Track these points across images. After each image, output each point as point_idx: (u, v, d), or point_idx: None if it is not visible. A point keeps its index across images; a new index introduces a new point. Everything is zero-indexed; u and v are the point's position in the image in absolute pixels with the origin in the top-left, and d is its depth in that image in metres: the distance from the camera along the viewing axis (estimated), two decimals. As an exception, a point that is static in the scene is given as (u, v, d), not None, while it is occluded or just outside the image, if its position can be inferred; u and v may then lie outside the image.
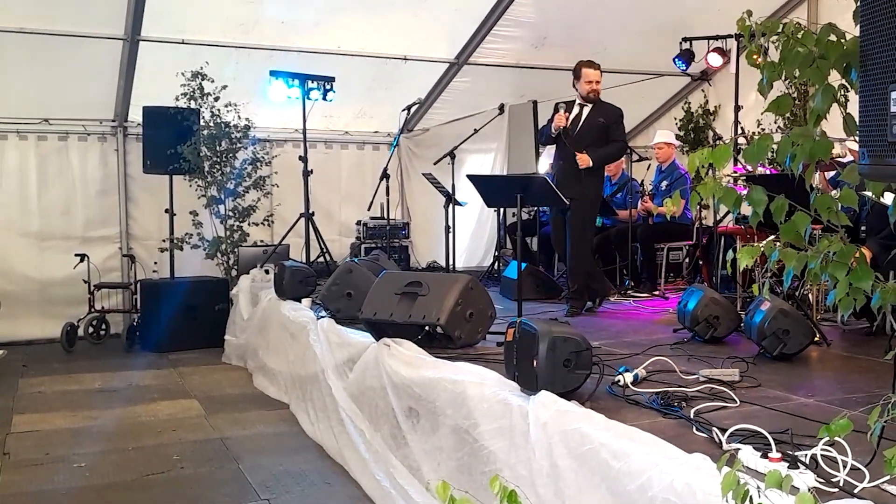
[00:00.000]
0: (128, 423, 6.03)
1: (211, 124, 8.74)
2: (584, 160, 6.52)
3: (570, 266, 6.69)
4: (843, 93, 2.45)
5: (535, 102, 9.64)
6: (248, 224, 9.04)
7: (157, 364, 8.00)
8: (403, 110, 9.12)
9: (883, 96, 2.06)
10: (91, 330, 8.81)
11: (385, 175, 8.95)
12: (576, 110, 6.72)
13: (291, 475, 4.91)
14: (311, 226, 8.77)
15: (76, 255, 8.72)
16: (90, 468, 5.05)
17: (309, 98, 8.66)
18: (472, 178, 6.32)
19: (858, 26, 2.22)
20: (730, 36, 7.69)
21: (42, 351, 8.62)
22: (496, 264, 9.34)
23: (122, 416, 6.23)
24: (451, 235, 8.35)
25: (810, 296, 5.77)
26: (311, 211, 8.77)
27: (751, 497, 2.06)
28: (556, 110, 6.71)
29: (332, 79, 8.74)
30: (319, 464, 5.14)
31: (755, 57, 2.52)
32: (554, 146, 6.91)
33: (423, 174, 9.39)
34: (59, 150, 9.13)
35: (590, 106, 6.70)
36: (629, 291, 7.73)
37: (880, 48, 2.09)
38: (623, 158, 8.59)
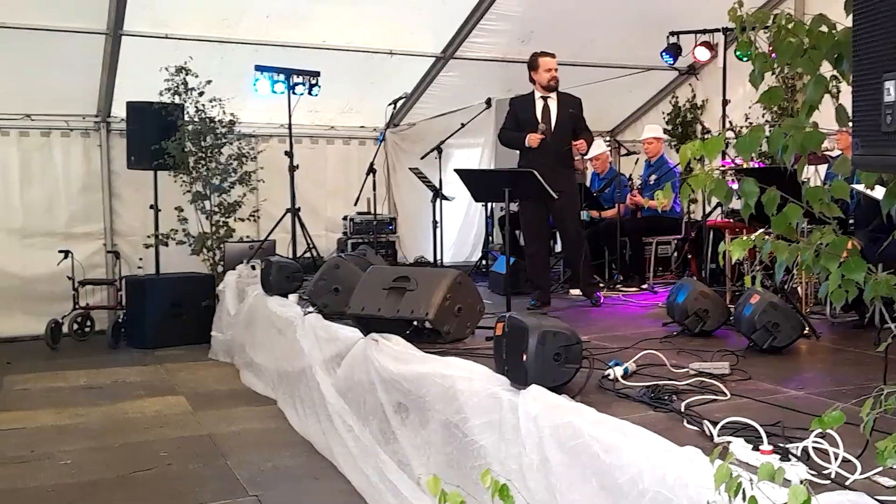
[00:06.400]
0: (114, 420, 5.98)
1: (195, 119, 8.66)
2: (583, 146, 6.62)
3: (575, 254, 6.74)
4: (834, 83, 2.44)
5: (522, 97, 9.61)
6: (234, 220, 8.97)
7: (142, 361, 7.94)
8: (389, 105, 9.08)
9: (876, 86, 2.05)
10: (76, 327, 8.73)
11: (371, 170, 8.91)
12: (540, 103, 6.70)
13: (279, 471, 4.88)
14: (297, 221, 8.71)
15: (60, 251, 8.62)
16: (76, 465, 5.00)
17: (294, 93, 8.60)
18: (459, 172, 6.29)
19: (851, 17, 2.20)
20: (717, 30, 7.68)
21: (26, 348, 8.53)
22: (484, 259, 9.32)
23: (107, 413, 6.17)
24: (438, 230, 8.33)
25: (799, 289, 5.79)
26: (297, 206, 8.71)
27: (743, 490, 2.05)
28: (511, 106, 6.81)
29: (318, 73, 8.69)
30: (307, 459, 5.11)
31: (754, 49, 2.50)
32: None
33: (410, 168, 9.35)
34: (41, 146, 9.02)
35: (553, 97, 6.69)
36: (618, 285, 7.72)
37: (873, 38, 2.07)
38: (609, 153, 8.61)
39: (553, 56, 6.72)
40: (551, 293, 7.22)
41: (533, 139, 6.52)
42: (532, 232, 6.85)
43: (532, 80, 6.75)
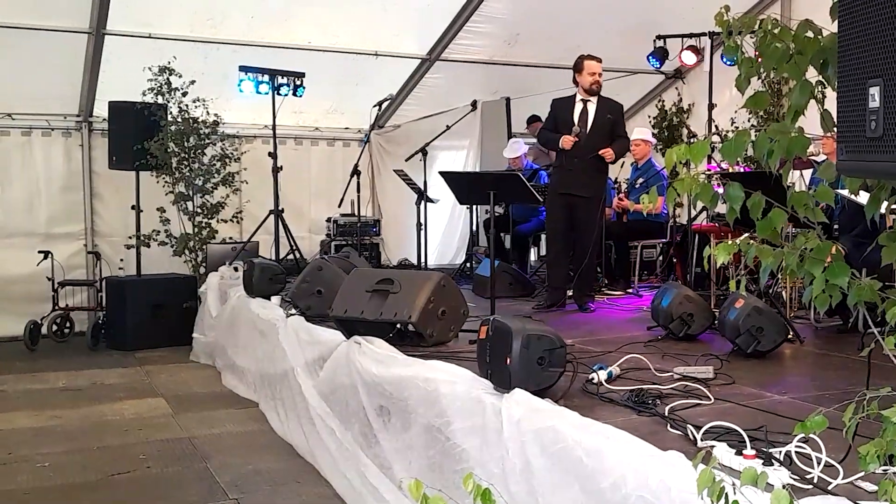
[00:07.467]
0: (93, 423, 5.92)
1: (178, 120, 8.61)
2: (610, 155, 6.54)
3: (581, 255, 6.58)
4: (820, 89, 2.45)
5: (507, 99, 9.65)
6: (217, 221, 8.92)
7: (123, 362, 7.87)
8: (374, 106, 9.05)
9: (861, 92, 2.05)
10: (55, 328, 8.65)
11: (356, 171, 8.88)
12: (579, 106, 6.65)
13: (260, 474, 4.84)
14: (280, 223, 8.67)
15: (39, 251, 8.56)
16: (54, 468, 4.95)
17: (279, 94, 8.57)
18: (444, 174, 6.29)
19: (836, 22, 2.21)
20: (703, 34, 7.71)
21: (4, 349, 8.43)
22: (468, 262, 9.31)
23: (86, 415, 6.11)
24: (422, 233, 8.31)
25: (784, 293, 5.80)
26: (280, 208, 8.68)
27: (726, 494, 2.05)
28: (552, 108, 6.77)
29: (302, 74, 8.67)
30: (289, 463, 5.08)
31: (740, 53, 2.50)
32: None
33: (394, 170, 9.33)
34: (21, 146, 8.94)
35: (594, 101, 6.64)
36: (603, 289, 7.72)
37: (859, 43, 2.08)
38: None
39: (599, 60, 6.68)
40: (535, 294, 7.22)
41: (566, 141, 6.52)
42: (556, 232, 6.78)
43: (575, 82, 6.71)
